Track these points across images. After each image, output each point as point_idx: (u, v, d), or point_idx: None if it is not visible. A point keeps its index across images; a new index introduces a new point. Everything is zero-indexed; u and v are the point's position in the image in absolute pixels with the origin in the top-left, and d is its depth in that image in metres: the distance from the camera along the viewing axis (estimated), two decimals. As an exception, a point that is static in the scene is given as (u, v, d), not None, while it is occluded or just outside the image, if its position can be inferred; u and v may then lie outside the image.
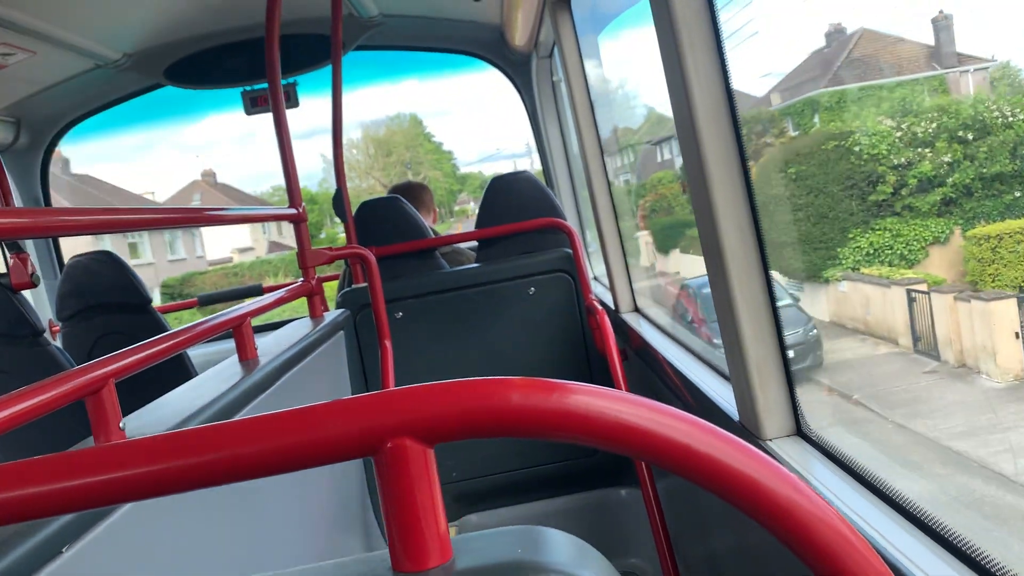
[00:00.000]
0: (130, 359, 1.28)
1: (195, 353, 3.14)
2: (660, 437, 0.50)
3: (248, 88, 3.80)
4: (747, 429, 1.39)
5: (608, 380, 2.60)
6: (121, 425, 1.21)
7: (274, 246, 31.79)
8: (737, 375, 1.38)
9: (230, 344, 2.03)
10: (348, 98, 3.55)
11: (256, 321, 2.24)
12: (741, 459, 0.51)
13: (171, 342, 1.47)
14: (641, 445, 0.51)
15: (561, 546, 0.52)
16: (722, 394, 1.69)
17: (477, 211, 3.40)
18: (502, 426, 0.50)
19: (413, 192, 3.97)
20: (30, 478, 0.50)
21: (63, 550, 0.94)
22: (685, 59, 1.26)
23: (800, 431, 1.35)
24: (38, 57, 3.17)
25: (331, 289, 3.88)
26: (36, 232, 1.11)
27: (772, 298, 1.31)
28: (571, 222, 3.29)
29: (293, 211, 2.61)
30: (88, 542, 0.98)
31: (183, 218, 1.72)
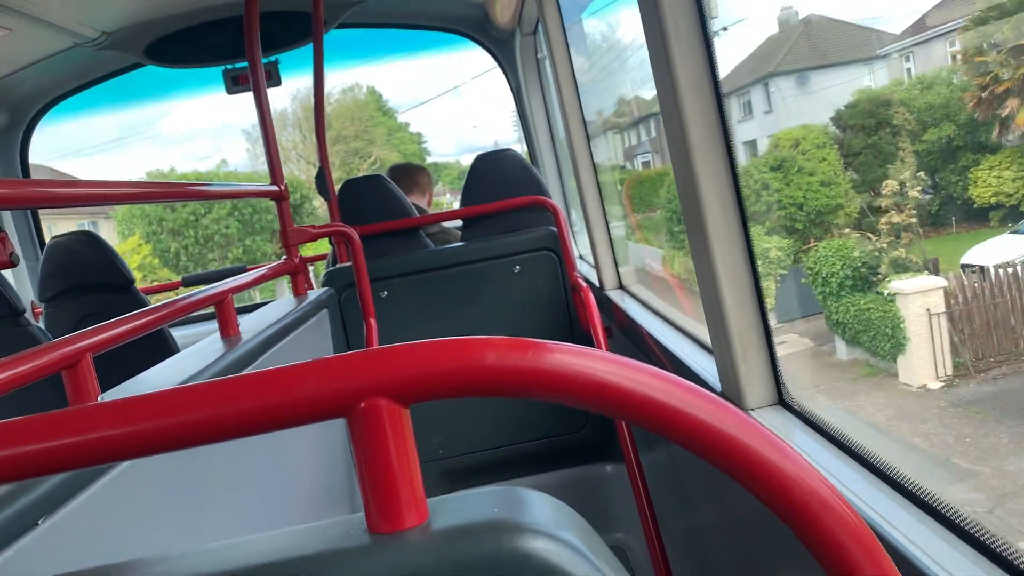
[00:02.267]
0: (108, 334, 1.27)
1: (179, 334, 3.12)
2: (638, 395, 0.50)
3: (229, 67, 3.76)
4: (729, 399, 1.40)
5: None
6: (99, 399, 1.20)
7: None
8: (719, 345, 1.38)
9: (214, 326, 2.02)
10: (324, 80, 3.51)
11: (239, 303, 2.23)
12: (719, 416, 0.50)
13: (151, 317, 1.46)
14: (619, 403, 0.50)
15: (538, 506, 0.52)
16: (705, 366, 1.70)
17: (455, 205, 3.39)
18: (478, 385, 0.49)
19: (410, 173, 3.95)
20: (2, 440, 0.50)
21: (39, 522, 0.93)
22: (667, 29, 1.25)
23: (782, 400, 1.36)
24: (14, 35, 3.12)
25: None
26: (15, 203, 1.09)
27: (754, 268, 1.31)
28: (556, 200, 3.28)
29: (275, 188, 2.59)
30: (65, 513, 0.97)
31: (164, 192, 1.71)
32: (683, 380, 0.51)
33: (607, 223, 3.05)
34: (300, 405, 0.49)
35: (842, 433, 1.18)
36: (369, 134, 32.22)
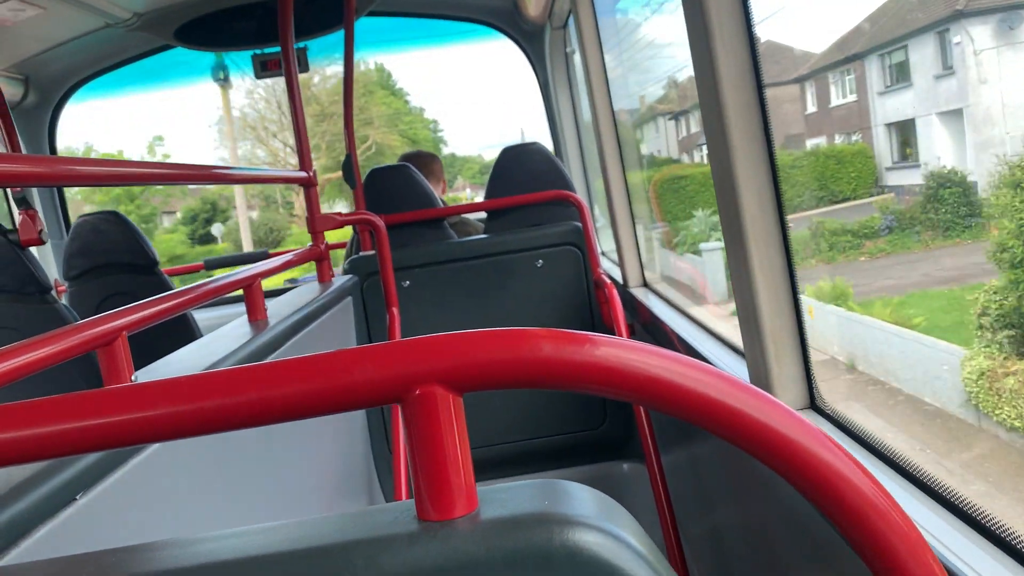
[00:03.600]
0: (143, 313, 1.28)
1: (201, 317, 3.14)
2: (692, 392, 0.49)
3: (258, 52, 3.76)
4: None
5: None
6: (133, 378, 1.20)
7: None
8: (752, 346, 1.37)
9: (234, 310, 2.03)
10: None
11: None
12: (773, 416, 0.50)
13: (183, 298, 1.47)
14: (674, 401, 0.50)
15: (586, 499, 0.51)
16: (734, 367, 1.68)
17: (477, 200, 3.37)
18: (533, 377, 0.49)
19: (423, 161, 3.94)
20: (44, 417, 0.49)
21: (77, 497, 0.93)
22: (712, 26, 1.24)
23: (814, 404, 1.34)
24: (47, 13, 3.14)
25: (337, 257, 3.87)
26: (46, 180, 1.10)
27: (791, 268, 1.29)
28: (580, 195, 3.27)
29: (303, 174, 2.60)
30: (102, 489, 0.98)
31: (191, 175, 1.71)
32: (742, 381, 0.50)
33: (633, 219, 3.03)
34: (353, 390, 0.48)
35: (878, 440, 1.16)
36: (366, 113, 27.95)
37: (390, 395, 0.49)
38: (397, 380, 0.48)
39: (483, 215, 3.54)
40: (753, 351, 1.37)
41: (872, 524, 0.50)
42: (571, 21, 3.55)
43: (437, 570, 0.45)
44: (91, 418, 0.49)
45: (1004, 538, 0.88)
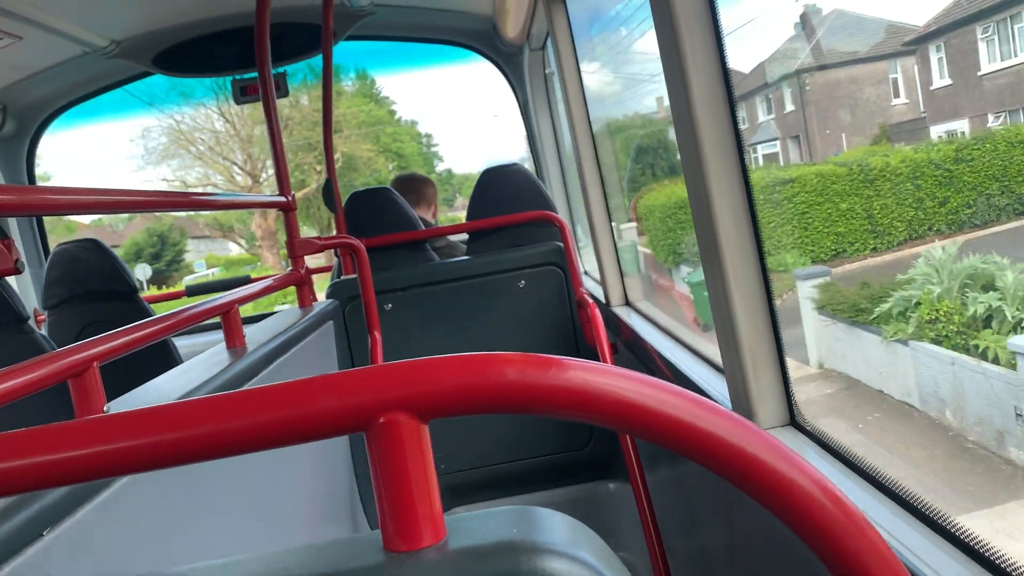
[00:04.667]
0: (116, 342, 1.26)
1: (182, 344, 3.11)
2: (663, 416, 0.49)
3: (238, 77, 3.76)
4: None
5: None
6: (105, 408, 1.19)
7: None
8: (731, 363, 1.37)
9: (217, 336, 2.01)
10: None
11: (243, 313, 2.22)
12: (744, 437, 0.49)
13: (158, 326, 1.45)
14: (642, 423, 0.49)
15: (556, 526, 0.51)
16: (715, 385, 1.68)
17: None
18: (498, 402, 0.48)
19: (416, 185, 3.93)
20: (6, 451, 0.48)
21: (43, 533, 0.92)
22: (681, 38, 1.25)
23: (794, 421, 1.34)
24: (24, 42, 3.13)
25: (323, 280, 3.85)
26: (21, 210, 1.08)
27: (767, 285, 1.30)
28: (562, 216, 3.28)
29: (282, 199, 2.59)
30: (70, 524, 0.96)
31: (171, 202, 1.70)
32: (710, 401, 0.50)
33: (614, 239, 3.04)
34: (318, 419, 0.48)
35: (857, 456, 1.16)
36: (336, 123, 26.24)
37: (354, 424, 0.48)
38: (361, 409, 0.47)
39: (465, 236, 3.54)
40: (732, 369, 1.37)
41: (845, 545, 0.50)
42: (549, 43, 3.58)
43: None
44: (56, 452, 0.48)
45: (985, 555, 0.88)
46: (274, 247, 23.94)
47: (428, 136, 29.39)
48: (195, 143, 24.64)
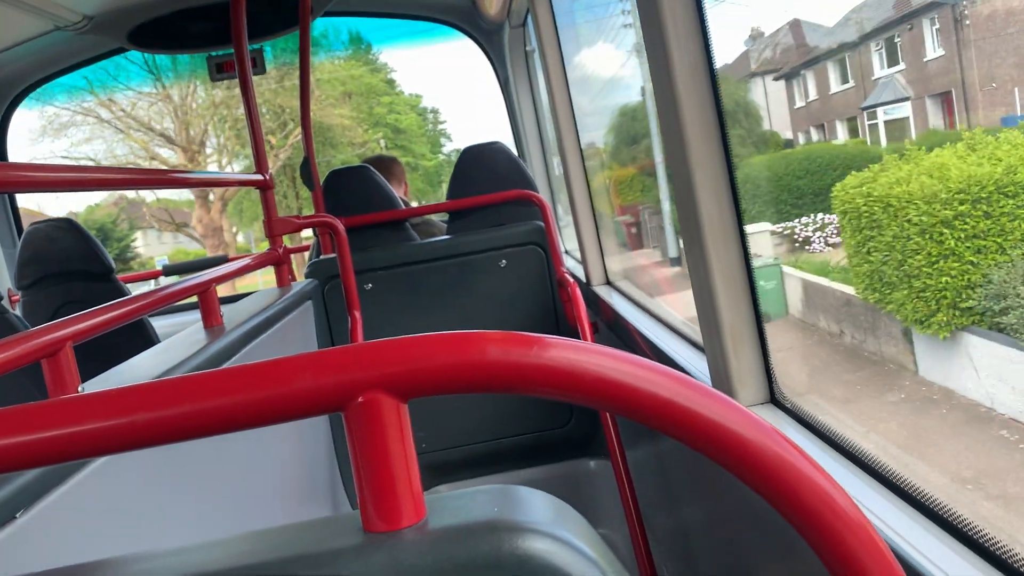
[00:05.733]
0: (90, 322, 1.24)
1: (160, 324, 3.08)
2: (643, 393, 0.49)
3: (214, 54, 3.70)
4: None
5: None
6: (80, 389, 1.17)
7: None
8: (711, 341, 1.37)
9: (195, 316, 1.99)
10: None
11: (221, 294, 2.19)
12: (724, 414, 0.49)
13: (134, 306, 1.43)
14: (622, 401, 0.49)
15: (537, 505, 0.50)
16: (695, 364, 1.68)
17: None
18: (479, 381, 0.48)
19: (383, 164, 3.92)
20: None
21: (16, 515, 0.90)
22: (665, 20, 1.24)
23: (774, 399, 1.35)
24: (-6, 17, 3.06)
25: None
26: None
27: (748, 263, 1.30)
28: (543, 195, 3.27)
29: (259, 177, 2.56)
30: (44, 507, 0.95)
31: (147, 179, 1.67)
32: (689, 378, 0.50)
33: (595, 218, 3.04)
34: (295, 399, 0.47)
35: (836, 432, 1.17)
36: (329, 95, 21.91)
37: (332, 404, 0.47)
38: (339, 388, 0.47)
39: (446, 216, 3.52)
40: (713, 347, 1.37)
41: (824, 519, 0.50)
42: (530, 19, 3.55)
43: None
44: (28, 433, 0.47)
45: (960, 529, 0.89)
46: (221, 246, 20.61)
47: (435, 112, 25.78)
48: (109, 107, 19.73)
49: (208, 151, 21.64)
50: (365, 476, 0.47)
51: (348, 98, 23.18)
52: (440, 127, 25.82)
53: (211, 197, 20.04)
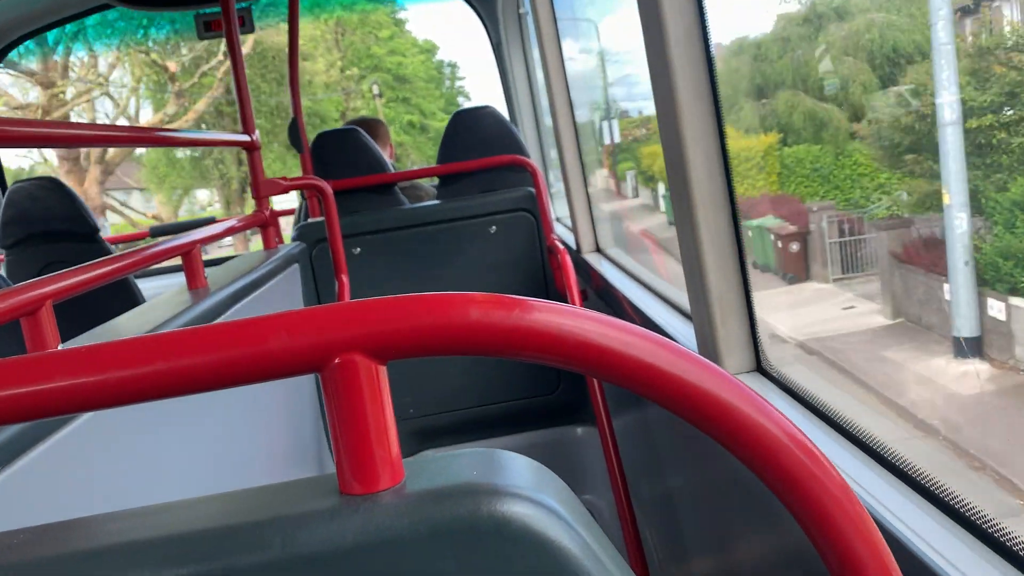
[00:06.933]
0: (71, 280, 1.23)
1: (147, 286, 3.06)
2: (629, 358, 0.48)
3: (202, 12, 3.64)
4: None
5: None
6: (59, 348, 1.16)
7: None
8: (698, 309, 1.36)
9: (183, 279, 1.97)
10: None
11: (207, 258, 2.17)
12: (708, 379, 0.48)
13: (116, 265, 1.41)
14: (606, 365, 0.48)
15: (518, 468, 0.50)
16: (683, 332, 1.68)
17: None
18: (460, 343, 0.47)
19: (369, 126, 3.88)
20: None
21: None
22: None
23: (760, 367, 1.35)
24: (-24, -31, 3.00)
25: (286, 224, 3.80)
26: None
27: (737, 230, 1.29)
28: (535, 161, 3.24)
29: (246, 138, 2.53)
30: (23, 465, 0.94)
31: (131, 137, 1.65)
32: (675, 344, 0.49)
33: (586, 184, 3.02)
34: (271, 358, 0.46)
35: (821, 402, 1.17)
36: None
37: (309, 364, 0.46)
38: (315, 348, 0.46)
39: (435, 180, 3.49)
40: (700, 315, 1.37)
41: (804, 485, 0.49)
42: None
43: (358, 545, 0.44)
44: (5, 388, 0.46)
45: (941, 498, 0.89)
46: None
47: (453, 66, 23.04)
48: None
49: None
50: (342, 438, 0.47)
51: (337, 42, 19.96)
52: (458, 85, 23.01)
53: (84, 162, 16.58)
